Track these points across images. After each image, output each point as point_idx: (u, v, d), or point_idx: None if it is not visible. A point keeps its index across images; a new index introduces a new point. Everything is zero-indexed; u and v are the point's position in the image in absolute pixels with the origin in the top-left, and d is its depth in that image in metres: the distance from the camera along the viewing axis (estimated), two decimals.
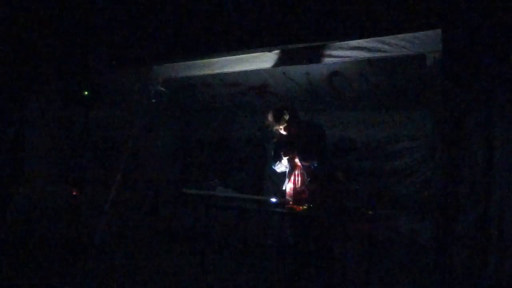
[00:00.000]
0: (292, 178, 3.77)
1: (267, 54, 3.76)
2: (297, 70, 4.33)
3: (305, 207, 3.42)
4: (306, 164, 3.66)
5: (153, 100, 4.31)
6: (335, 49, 3.47)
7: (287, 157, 3.73)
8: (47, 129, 5.95)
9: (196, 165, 6.48)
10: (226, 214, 5.29)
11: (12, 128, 5.29)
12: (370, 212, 3.36)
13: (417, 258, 4.25)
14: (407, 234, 4.58)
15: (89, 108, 5.71)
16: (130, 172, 5.02)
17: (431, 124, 3.26)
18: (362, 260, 3.76)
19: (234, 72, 4.15)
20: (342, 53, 3.45)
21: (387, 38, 3.25)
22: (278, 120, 3.67)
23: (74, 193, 5.72)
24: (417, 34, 3.15)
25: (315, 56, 3.57)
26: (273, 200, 3.66)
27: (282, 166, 3.85)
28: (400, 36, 3.21)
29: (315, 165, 3.61)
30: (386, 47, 3.25)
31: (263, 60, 3.79)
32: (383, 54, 3.28)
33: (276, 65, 3.79)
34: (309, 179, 3.62)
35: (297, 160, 3.72)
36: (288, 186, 3.81)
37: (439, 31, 3.05)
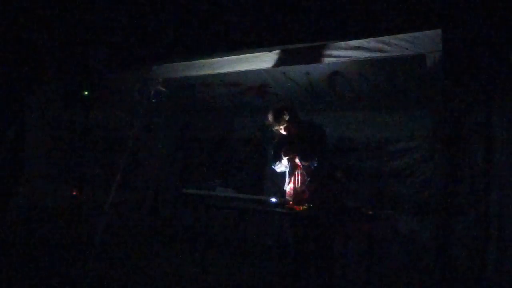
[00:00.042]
0: (292, 178, 3.78)
1: (267, 54, 3.75)
2: (297, 70, 4.33)
3: (305, 207, 3.42)
4: (306, 164, 3.66)
5: (153, 100, 4.30)
6: (335, 49, 3.47)
7: (287, 157, 3.73)
8: (47, 129, 5.96)
9: (196, 165, 6.48)
10: (226, 214, 5.29)
11: (12, 128, 5.28)
12: (370, 212, 3.36)
13: (417, 258, 4.25)
14: (407, 234, 4.58)
15: (89, 108, 5.72)
16: (130, 172, 5.03)
17: (431, 124, 3.26)
18: (362, 260, 3.76)
19: (234, 72, 4.14)
20: (342, 53, 3.44)
21: (387, 38, 3.25)
22: (278, 120, 3.68)
23: (74, 193, 5.72)
24: (417, 34, 3.14)
25: (315, 56, 3.56)
26: (273, 200, 3.66)
27: (282, 166, 3.86)
28: (400, 36, 3.20)
29: (315, 165, 3.61)
30: (386, 47, 3.25)
31: (263, 60, 3.79)
32: (383, 54, 3.27)
33: (276, 65, 3.78)
34: (309, 179, 3.62)
35: (297, 160, 3.73)
36: (288, 186, 3.81)
37: (439, 31, 3.04)
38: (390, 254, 4.40)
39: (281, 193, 3.95)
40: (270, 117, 3.72)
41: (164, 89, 4.34)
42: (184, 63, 4.29)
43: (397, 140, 5.04)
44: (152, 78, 4.33)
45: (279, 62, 3.76)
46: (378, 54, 3.29)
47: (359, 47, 3.35)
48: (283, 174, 3.92)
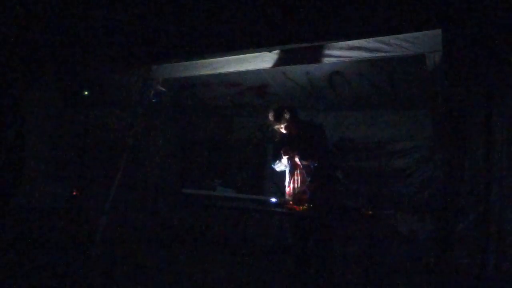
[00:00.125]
0: (292, 177, 3.78)
1: (267, 54, 3.75)
2: (297, 70, 4.33)
3: (305, 207, 3.42)
4: (306, 163, 3.67)
5: (153, 100, 4.30)
6: (335, 49, 3.47)
7: (287, 156, 3.74)
8: (47, 129, 5.95)
9: (196, 165, 6.48)
10: (226, 214, 5.29)
11: (12, 128, 5.28)
12: (370, 212, 3.36)
13: (417, 258, 4.26)
14: (407, 234, 4.58)
15: (89, 108, 5.72)
16: (130, 172, 5.02)
17: (431, 124, 3.26)
18: (362, 260, 3.76)
19: (234, 72, 4.14)
20: (342, 53, 3.44)
21: (387, 38, 3.25)
22: (278, 119, 3.69)
23: (74, 193, 5.72)
24: (417, 34, 3.14)
25: (315, 56, 3.56)
26: (273, 200, 3.66)
27: (282, 165, 3.86)
28: (400, 36, 3.20)
29: (315, 164, 3.62)
30: (386, 47, 3.25)
31: (263, 60, 3.79)
32: (383, 54, 3.28)
33: (276, 65, 3.78)
34: (309, 179, 3.62)
35: (297, 159, 3.73)
36: (288, 186, 3.82)
37: (439, 31, 3.05)
38: (390, 254, 4.40)
39: (281, 193, 3.96)
40: (271, 116, 3.74)
41: (164, 89, 4.34)
42: (184, 63, 4.29)
43: (397, 140, 5.05)
44: (152, 78, 4.33)
45: (279, 62, 3.76)
46: (378, 54, 3.30)
47: (359, 47, 3.36)
48: (283, 173, 3.92)
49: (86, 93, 5.47)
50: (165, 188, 6.33)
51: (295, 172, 3.76)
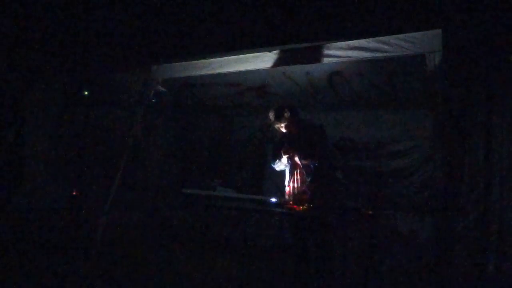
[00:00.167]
0: (292, 177, 3.78)
1: (267, 54, 3.75)
2: (297, 70, 4.33)
3: (305, 207, 3.42)
4: (305, 163, 3.67)
5: (153, 100, 4.30)
6: (335, 49, 3.47)
7: (287, 156, 3.74)
8: (47, 129, 5.95)
9: (196, 165, 6.48)
10: (226, 214, 5.29)
11: (12, 128, 5.28)
12: (370, 212, 3.36)
13: (417, 258, 4.25)
14: (407, 234, 4.58)
15: (89, 108, 5.72)
16: (130, 172, 5.02)
17: (431, 124, 3.26)
18: (362, 260, 3.76)
19: (234, 72, 4.14)
20: (342, 53, 3.44)
21: (387, 38, 3.25)
22: (279, 118, 3.71)
23: (74, 193, 5.72)
24: (417, 34, 3.14)
25: (315, 56, 3.56)
26: (273, 200, 3.66)
27: (281, 164, 3.87)
28: (400, 36, 3.20)
29: (315, 164, 3.62)
30: (386, 47, 3.25)
31: (263, 60, 3.79)
32: (383, 54, 3.28)
33: (276, 65, 3.78)
34: (309, 178, 3.62)
35: (296, 159, 3.73)
36: (288, 186, 3.82)
37: (439, 31, 3.05)
38: (390, 254, 4.40)
39: (281, 193, 3.96)
40: (271, 116, 3.75)
41: (164, 89, 4.34)
42: (184, 63, 4.29)
43: (397, 140, 5.05)
44: (152, 78, 4.33)
45: (279, 62, 3.76)
46: (378, 54, 3.30)
47: (359, 47, 3.36)
48: (283, 173, 3.92)
49: (86, 93, 5.47)
50: (165, 188, 6.32)
51: (295, 172, 3.76)
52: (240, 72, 4.13)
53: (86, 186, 5.81)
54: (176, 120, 6.63)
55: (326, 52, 3.50)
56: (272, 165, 3.94)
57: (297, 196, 3.64)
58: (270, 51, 3.76)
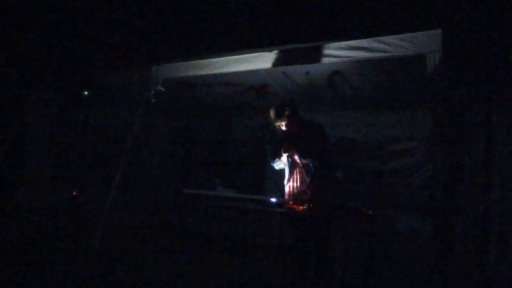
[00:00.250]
0: (292, 176, 3.78)
1: (267, 54, 3.75)
2: (297, 70, 4.33)
3: (305, 207, 3.42)
4: (305, 162, 3.67)
5: (153, 100, 4.30)
6: (335, 49, 3.47)
7: (287, 154, 3.74)
8: (47, 129, 5.95)
9: (196, 165, 6.48)
10: (226, 214, 5.29)
11: (12, 128, 5.28)
12: (370, 212, 3.36)
13: (417, 258, 4.25)
14: (408, 234, 4.58)
15: (89, 108, 5.72)
16: (130, 172, 5.02)
17: (431, 124, 3.26)
18: (362, 260, 3.76)
19: (234, 72, 4.14)
20: (342, 53, 3.44)
21: (387, 38, 3.25)
22: (279, 116, 3.71)
23: (74, 193, 5.72)
24: (417, 34, 3.14)
25: (315, 56, 3.56)
26: (273, 200, 3.66)
27: (281, 163, 3.87)
28: (400, 36, 3.20)
29: (315, 163, 3.62)
30: (386, 47, 3.25)
31: (263, 60, 3.79)
32: (383, 54, 3.28)
33: (276, 65, 3.78)
34: (309, 178, 3.62)
35: (296, 158, 3.73)
36: (288, 185, 3.82)
37: (439, 31, 3.05)
38: (390, 254, 4.40)
39: (281, 193, 3.95)
40: (272, 113, 3.76)
41: (164, 89, 4.34)
42: (184, 63, 4.29)
43: (397, 140, 5.04)
44: (152, 78, 4.32)
45: (279, 62, 3.76)
46: (378, 54, 3.29)
47: (359, 47, 3.35)
48: (283, 173, 3.92)
49: (86, 93, 5.47)
50: (165, 188, 6.33)
51: (294, 171, 3.76)
52: (240, 72, 4.13)
53: (86, 186, 5.81)
54: (176, 120, 6.63)
55: (326, 52, 3.49)
56: (272, 164, 3.94)
57: (297, 196, 3.64)
58: (270, 51, 3.75)
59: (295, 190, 3.73)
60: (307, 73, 4.39)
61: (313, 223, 3.53)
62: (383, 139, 5.13)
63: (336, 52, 3.46)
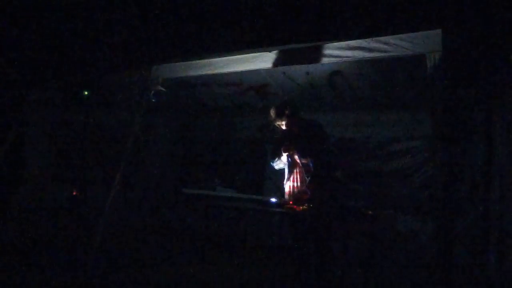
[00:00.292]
0: (291, 176, 3.78)
1: (267, 54, 3.75)
2: (297, 70, 4.33)
3: (305, 207, 3.42)
4: (305, 162, 3.67)
5: (153, 100, 4.30)
6: (335, 49, 3.46)
7: (287, 153, 3.75)
8: (47, 129, 5.95)
9: (196, 165, 6.48)
10: (226, 214, 5.29)
11: (12, 128, 5.28)
12: (370, 212, 3.36)
13: (417, 258, 4.26)
14: (407, 234, 4.58)
15: (89, 108, 5.72)
16: (130, 172, 5.02)
17: (431, 124, 3.26)
18: (362, 260, 3.76)
19: (234, 72, 4.13)
20: (342, 53, 3.44)
21: (387, 38, 3.24)
22: (279, 115, 3.72)
23: (74, 193, 5.72)
24: (417, 34, 3.14)
25: (315, 56, 3.56)
26: (273, 200, 3.66)
27: (281, 163, 3.87)
28: (400, 36, 3.20)
29: (316, 163, 3.62)
30: (386, 47, 3.24)
31: (263, 60, 3.78)
32: (383, 54, 3.27)
33: (276, 65, 3.78)
34: (309, 178, 3.62)
35: (296, 157, 3.73)
36: (287, 185, 3.82)
37: (439, 31, 3.04)
38: (390, 254, 4.40)
39: (281, 193, 3.95)
40: (272, 113, 3.77)
41: (164, 89, 4.34)
42: (184, 63, 4.29)
43: (397, 140, 5.04)
44: (152, 78, 4.32)
45: (279, 62, 3.75)
46: (378, 54, 3.29)
47: (359, 47, 3.35)
48: (283, 173, 3.92)
49: (86, 93, 5.47)
50: (165, 188, 6.33)
51: (294, 171, 3.76)
52: (240, 72, 4.13)
53: (86, 186, 5.81)
54: (176, 120, 6.63)
55: (326, 52, 3.49)
56: (272, 163, 3.95)
57: (297, 196, 3.64)
58: (270, 51, 3.75)
59: (295, 190, 3.73)
60: (307, 73, 4.40)
61: (313, 223, 3.53)
62: (383, 139, 5.13)
63: (336, 52, 3.46)
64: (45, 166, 5.86)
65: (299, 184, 3.71)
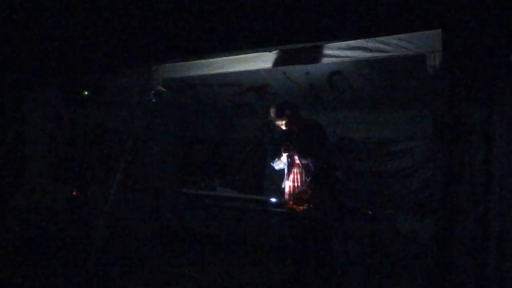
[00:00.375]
0: (291, 176, 3.78)
1: (267, 54, 3.75)
2: (297, 70, 4.33)
3: (305, 207, 3.43)
4: (305, 162, 3.67)
5: (153, 100, 4.30)
6: (335, 49, 3.47)
7: (287, 154, 3.75)
8: (47, 129, 5.95)
9: (196, 165, 6.48)
10: (226, 214, 5.29)
11: (12, 128, 5.28)
12: (370, 212, 3.37)
13: (417, 258, 4.25)
14: (407, 234, 4.58)
15: (89, 108, 5.72)
16: (130, 172, 5.02)
17: (431, 124, 3.26)
18: (362, 260, 3.76)
19: (234, 72, 4.14)
20: (342, 53, 3.44)
21: (387, 38, 3.25)
22: (279, 115, 3.73)
23: (74, 193, 5.72)
24: (417, 34, 3.14)
25: (315, 56, 3.56)
26: (273, 200, 3.66)
27: (281, 163, 3.87)
28: (400, 36, 3.20)
29: (316, 163, 3.62)
30: (386, 47, 3.25)
31: (263, 60, 3.79)
32: (383, 54, 3.28)
33: (276, 65, 3.78)
34: (309, 178, 3.62)
35: (296, 158, 3.73)
36: (287, 185, 3.82)
37: (439, 31, 3.05)
38: (390, 254, 4.40)
39: (281, 192, 3.95)
40: (272, 112, 3.78)
41: (164, 89, 4.34)
42: (184, 63, 4.29)
43: (397, 140, 5.04)
44: (152, 78, 4.32)
45: (279, 62, 3.76)
46: (378, 54, 3.29)
47: (359, 47, 3.35)
48: (283, 173, 3.92)
49: (86, 93, 5.47)
50: (165, 188, 6.32)
51: (294, 171, 3.76)
52: (240, 72, 4.13)
53: (86, 186, 5.81)
54: (176, 120, 6.63)
55: (326, 52, 3.49)
56: (272, 164, 3.95)
57: (297, 196, 3.64)
58: (270, 51, 3.75)
59: (295, 190, 3.73)
60: (307, 73, 4.39)
61: (313, 223, 3.53)
62: (383, 139, 5.13)
63: (336, 52, 3.46)
64: (45, 166, 5.86)
65: (299, 184, 3.71)
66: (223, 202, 3.98)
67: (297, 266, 3.73)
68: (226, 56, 4.04)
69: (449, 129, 3.29)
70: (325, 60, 3.53)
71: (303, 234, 3.68)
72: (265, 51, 3.80)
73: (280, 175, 3.99)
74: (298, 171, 3.74)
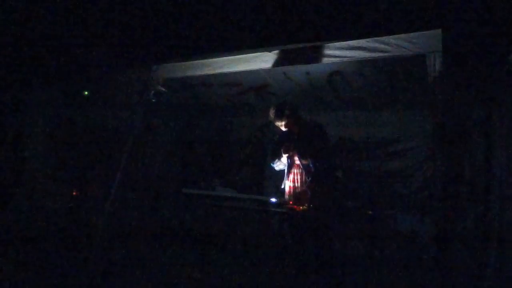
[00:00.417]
0: (291, 176, 3.78)
1: (267, 54, 3.75)
2: (297, 70, 4.32)
3: (305, 207, 3.42)
4: (305, 162, 3.66)
5: (153, 100, 4.30)
6: (335, 49, 3.47)
7: (287, 154, 3.74)
8: (47, 129, 5.95)
9: (195, 165, 6.48)
10: (226, 214, 5.29)
11: (12, 128, 5.28)
12: (370, 212, 3.37)
13: (417, 258, 4.25)
14: (408, 233, 4.58)
15: (89, 108, 5.72)
16: (130, 171, 5.02)
17: (431, 124, 3.26)
18: (362, 260, 3.76)
19: (234, 72, 4.13)
20: (342, 53, 3.44)
21: (387, 38, 3.25)
22: (279, 116, 3.71)
23: (74, 193, 5.72)
24: (417, 34, 3.14)
25: (315, 56, 3.56)
26: (273, 200, 3.66)
27: (281, 164, 3.86)
28: (400, 36, 3.20)
29: (316, 163, 3.61)
30: (386, 47, 3.25)
31: (263, 60, 3.79)
32: (383, 54, 3.27)
33: (276, 65, 3.78)
34: (309, 178, 3.62)
35: (296, 158, 3.73)
36: (287, 185, 3.81)
37: (439, 31, 3.05)
38: (390, 254, 4.40)
39: (281, 193, 3.95)
40: (272, 113, 3.77)
41: (164, 89, 4.34)
42: (184, 63, 4.29)
43: (397, 140, 5.05)
44: (152, 78, 4.32)
45: (279, 62, 3.75)
46: (378, 54, 3.29)
47: (359, 47, 3.35)
48: (283, 173, 3.92)
49: (86, 93, 5.47)
50: (165, 188, 6.32)
51: (293, 171, 3.76)
52: (240, 72, 4.13)
53: (86, 186, 5.81)
54: (176, 120, 6.63)
55: (326, 52, 3.49)
56: (272, 165, 3.94)
57: (297, 196, 3.64)
58: (270, 51, 3.75)
59: (295, 191, 3.72)
60: (307, 73, 4.39)
61: (313, 223, 3.53)
62: (383, 139, 5.13)
63: (336, 52, 3.46)
64: (45, 166, 5.86)
65: (299, 184, 3.71)
66: (223, 202, 3.98)
67: (297, 266, 3.73)
68: (226, 56, 4.04)
69: (449, 129, 3.29)
70: (325, 60, 3.53)
71: (303, 234, 3.68)
72: (265, 51, 3.79)
73: (280, 175, 3.99)
74: (298, 171, 3.73)
